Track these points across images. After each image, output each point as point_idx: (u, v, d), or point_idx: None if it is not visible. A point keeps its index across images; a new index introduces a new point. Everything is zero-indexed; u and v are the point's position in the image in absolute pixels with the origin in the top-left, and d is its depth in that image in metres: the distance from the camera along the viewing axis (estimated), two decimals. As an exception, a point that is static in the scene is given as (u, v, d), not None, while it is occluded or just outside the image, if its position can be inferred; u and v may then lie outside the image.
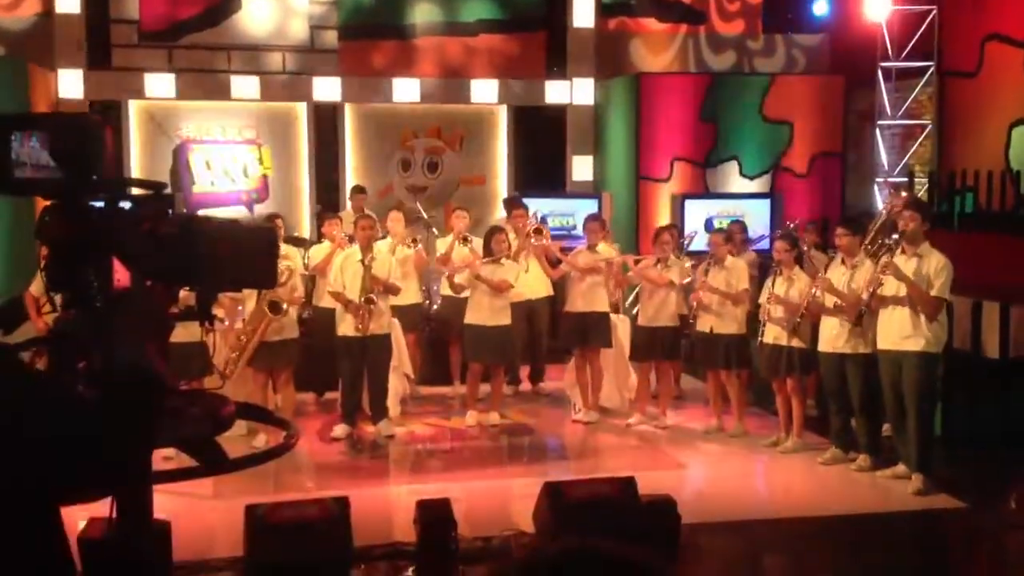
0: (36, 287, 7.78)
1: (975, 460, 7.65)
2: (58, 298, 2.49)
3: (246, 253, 2.72)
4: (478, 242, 9.42)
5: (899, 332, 7.10)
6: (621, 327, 9.45)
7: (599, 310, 9.00)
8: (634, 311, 9.57)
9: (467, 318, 8.90)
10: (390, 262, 8.63)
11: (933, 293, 7.00)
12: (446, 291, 9.73)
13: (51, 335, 2.50)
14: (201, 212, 10.24)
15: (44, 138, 2.39)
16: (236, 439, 6.55)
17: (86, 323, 2.38)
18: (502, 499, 7.29)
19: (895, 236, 7.27)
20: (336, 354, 8.52)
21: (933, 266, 7.02)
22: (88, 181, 2.44)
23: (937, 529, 6.83)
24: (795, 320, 7.87)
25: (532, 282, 9.57)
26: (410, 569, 5.84)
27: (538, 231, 9.53)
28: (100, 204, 2.51)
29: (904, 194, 10.13)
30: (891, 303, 7.16)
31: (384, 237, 9.64)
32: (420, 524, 5.89)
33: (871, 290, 7.24)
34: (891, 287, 7.16)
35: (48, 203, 2.50)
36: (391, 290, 8.48)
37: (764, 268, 8.72)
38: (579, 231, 10.39)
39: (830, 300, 7.59)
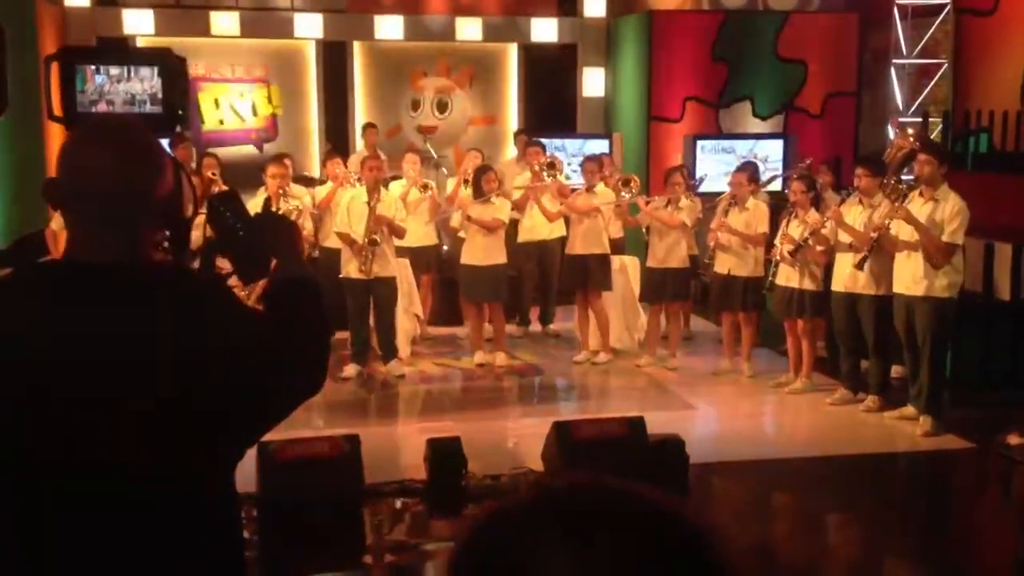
0: (57, 223, 7.77)
1: (985, 402, 7.66)
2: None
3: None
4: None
5: (913, 276, 7.05)
6: (631, 268, 9.43)
7: (597, 252, 8.92)
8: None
9: (462, 259, 8.90)
10: (396, 204, 8.59)
11: (944, 239, 6.91)
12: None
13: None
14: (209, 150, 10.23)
15: (150, 73, 2.35)
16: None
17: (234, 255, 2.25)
18: (511, 438, 7.34)
19: (907, 177, 7.20)
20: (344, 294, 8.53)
21: (948, 211, 6.93)
22: (179, 119, 2.41)
23: (945, 469, 6.85)
24: (799, 244, 7.79)
25: (544, 222, 9.53)
26: (420, 506, 5.90)
27: (551, 165, 9.43)
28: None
29: (911, 131, 9.98)
30: (905, 247, 7.11)
31: (394, 179, 9.60)
32: (430, 462, 5.95)
33: (874, 235, 7.19)
34: (905, 231, 7.10)
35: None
36: (396, 232, 8.45)
37: (775, 210, 8.65)
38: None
39: (845, 238, 7.55)
